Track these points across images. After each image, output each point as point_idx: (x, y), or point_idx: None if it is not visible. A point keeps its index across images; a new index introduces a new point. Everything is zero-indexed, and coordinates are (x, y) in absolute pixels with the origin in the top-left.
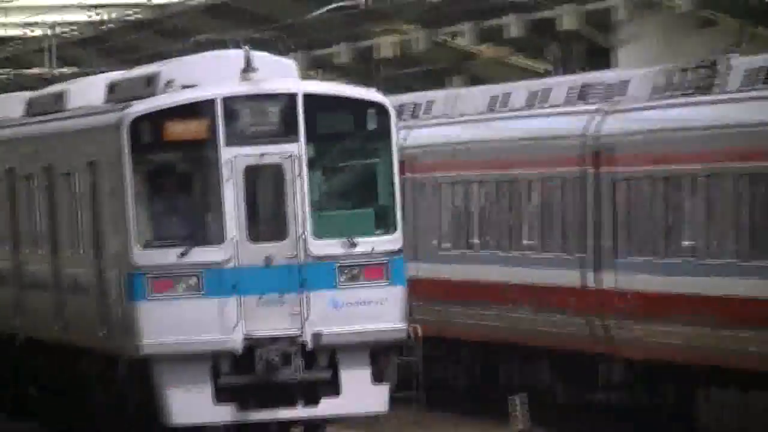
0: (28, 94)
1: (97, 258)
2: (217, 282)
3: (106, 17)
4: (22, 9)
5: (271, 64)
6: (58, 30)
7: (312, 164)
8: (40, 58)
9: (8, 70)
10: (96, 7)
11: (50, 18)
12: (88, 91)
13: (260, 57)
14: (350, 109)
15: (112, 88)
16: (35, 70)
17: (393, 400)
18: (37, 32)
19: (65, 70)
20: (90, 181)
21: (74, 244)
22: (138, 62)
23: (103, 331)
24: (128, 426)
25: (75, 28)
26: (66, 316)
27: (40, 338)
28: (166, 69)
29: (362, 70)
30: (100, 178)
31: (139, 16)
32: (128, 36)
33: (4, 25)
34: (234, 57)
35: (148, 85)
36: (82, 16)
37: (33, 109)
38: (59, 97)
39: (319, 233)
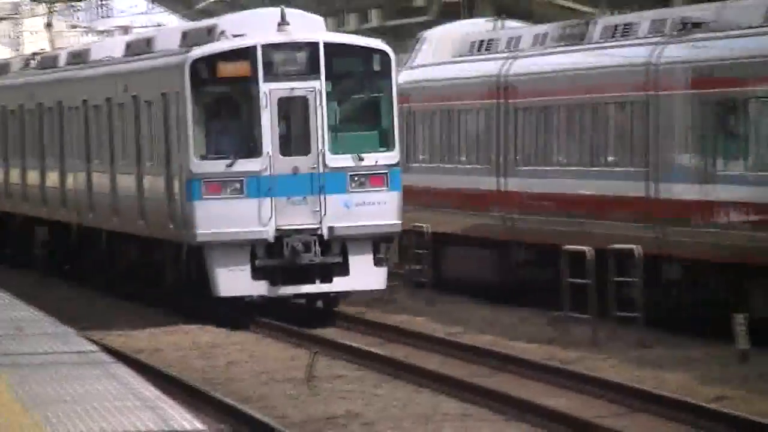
0: (126, 38)
1: (167, 169)
2: (256, 186)
3: None
4: None
5: (301, 19)
6: None
7: (330, 96)
8: None
9: None
10: None
11: None
12: (169, 37)
13: (293, 13)
14: (360, 54)
15: (184, 35)
16: None
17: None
18: None
19: None
20: (162, 108)
21: (152, 158)
22: None
23: (171, 225)
24: (191, 298)
25: None
26: (146, 214)
27: (129, 232)
28: (221, 22)
29: None
30: (170, 105)
31: None
32: None
33: None
34: (274, 13)
35: (208, 35)
36: None
37: (130, 51)
38: (149, 41)
39: (334, 150)
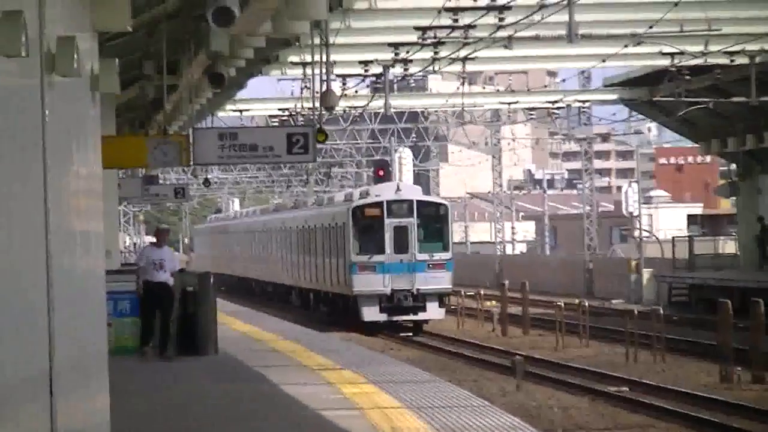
0: (346, 191)
1: (343, 259)
2: (382, 268)
3: None
4: (724, 38)
5: (408, 187)
6: (759, 59)
7: (418, 226)
8: (741, 86)
9: (710, 99)
10: None
11: (753, 47)
12: (359, 194)
13: (404, 184)
14: (434, 206)
15: (361, 193)
16: (736, 99)
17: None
18: (740, 60)
19: (765, 98)
20: (342, 229)
21: (336, 255)
22: None
23: (343, 285)
24: (349, 321)
25: None
26: (338, 281)
27: (331, 291)
28: (371, 188)
29: None
30: (345, 228)
31: None
32: None
33: (705, 53)
34: (394, 185)
35: (366, 194)
36: None
37: (345, 198)
38: (351, 195)
39: (419, 252)
